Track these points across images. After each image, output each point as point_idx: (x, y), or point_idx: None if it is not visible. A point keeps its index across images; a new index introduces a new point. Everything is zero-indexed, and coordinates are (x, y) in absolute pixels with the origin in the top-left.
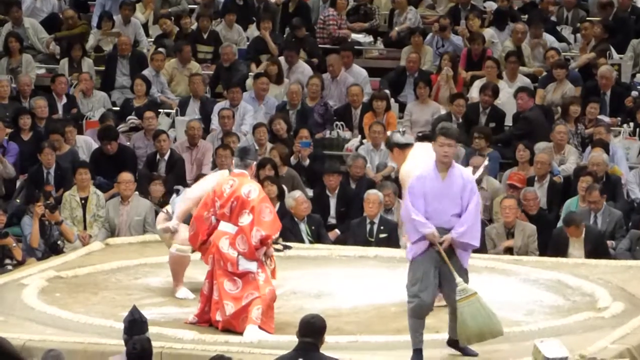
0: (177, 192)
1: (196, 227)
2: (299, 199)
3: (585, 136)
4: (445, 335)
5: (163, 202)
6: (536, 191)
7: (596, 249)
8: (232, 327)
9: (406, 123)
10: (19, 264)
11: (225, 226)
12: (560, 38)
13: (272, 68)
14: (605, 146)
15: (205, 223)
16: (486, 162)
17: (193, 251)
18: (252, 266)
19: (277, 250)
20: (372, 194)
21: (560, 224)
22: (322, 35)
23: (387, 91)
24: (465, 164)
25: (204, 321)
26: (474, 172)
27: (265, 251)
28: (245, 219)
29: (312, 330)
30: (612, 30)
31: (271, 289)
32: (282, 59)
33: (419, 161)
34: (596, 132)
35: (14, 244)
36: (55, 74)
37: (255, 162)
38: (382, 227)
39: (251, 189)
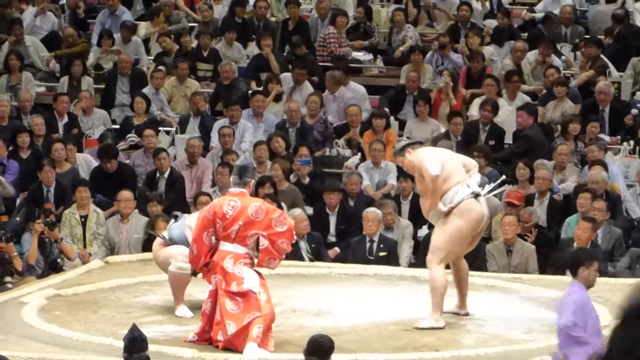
0: (176, 218)
1: (197, 249)
2: (298, 217)
3: (584, 154)
4: (446, 354)
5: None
6: (534, 211)
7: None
8: (233, 346)
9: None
10: (19, 274)
11: (228, 246)
12: (559, 56)
13: (272, 86)
14: (603, 164)
15: (205, 244)
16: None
17: (194, 274)
18: (256, 286)
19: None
20: (371, 212)
21: (563, 236)
22: (322, 53)
23: (387, 109)
24: None
25: (204, 340)
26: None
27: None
28: (263, 244)
29: (319, 350)
30: (610, 46)
31: (272, 308)
32: (285, 76)
33: (436, 150)
34: (590, 150)
35: (15, 253)
36: (57, 92)
37: (253, 180)
38: (381, 245)
39: (257, 210)
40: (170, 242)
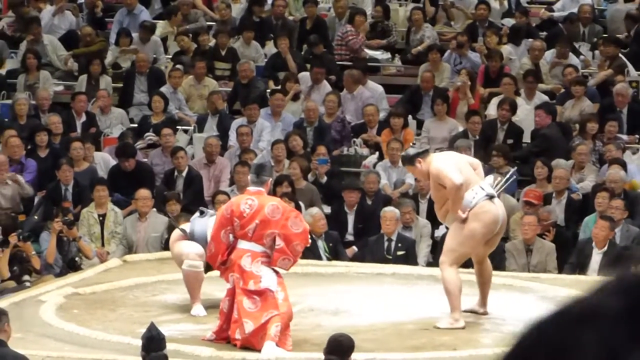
0: (202, 213)
1: (215, 247)
2: (316, 215)
3: (602, 153)
4: (463, 353)
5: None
6: (553, 210)
7: (612, 264)
8: (250, 345)
9: (424, 140)
10: (37, 272)
11: (245, 244)
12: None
13: (290, 85)
14: (622, 163)
15: (223, 242)
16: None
17: (206, 271)
18: (273, 284)
19: None
20: (389, 212)
21: (582, 236)
22: (340, 52)
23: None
24: None
25: (222, 338)
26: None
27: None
28: (278, 243)
29: (339, 349)
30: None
31: (289, 307)
32: (303, 75)
33: (447, 156)
34: (607, 149)
35: (33, 252)
36: (74, 91)
37: (271, 179)
38: (399, 244)
39: (274, 209)
40: (190, 236)
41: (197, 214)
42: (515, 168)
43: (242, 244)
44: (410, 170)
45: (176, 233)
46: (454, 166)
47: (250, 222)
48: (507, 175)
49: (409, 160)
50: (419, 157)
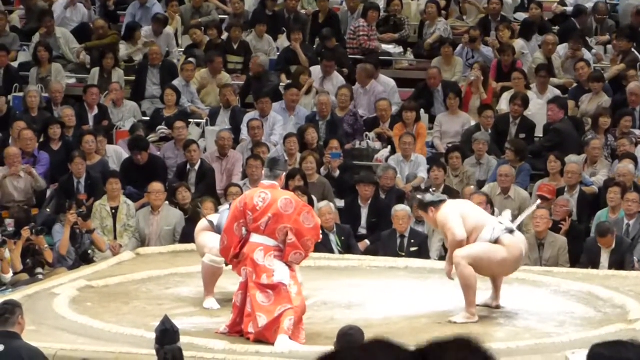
0: (231, 205)
1: (227, 240)
2: (323, 209)
3: (615, 148)
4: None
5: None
6: (569, 200)
7: (622, 261)
8: (264, 338)
9: (436, 134)
10: (50, 265)
11: (258, 238)
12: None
13: (304, 78)
14: (633, 157)
15: (236, 235)
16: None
17: (227, 264)
18: (286, 278)
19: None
20: (400, 210)
21: (593, 234)
22: (352, 46)
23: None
24: (494, 175)
25: (235, 332)
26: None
27: None
28: (290, 238)
29: (350, 342)
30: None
31: (303, 301)
32: (315, 68)
33: (457, 205)
34: (620, 144)
35: (46, 246)
36: (87, 84)
37: (284, 173)
38: (412, 241)
39: (287, 203)
40: (217, 229)
41: (226, 205)
42: (539, 202)
43: (255, 238)
44: (422, 214)
45: (203, 223)
46: (459, 218)
47: (263, 216)
48: (529, 211)
49: (423, 207)
50: (432, 206)
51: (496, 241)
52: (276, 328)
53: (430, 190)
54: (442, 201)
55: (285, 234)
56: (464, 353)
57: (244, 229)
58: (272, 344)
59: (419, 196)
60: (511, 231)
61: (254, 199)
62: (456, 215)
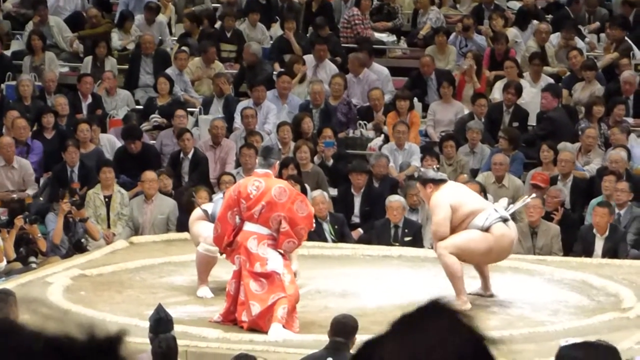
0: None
1: (221, 228)
2: (316, 198)
3: (608, 136)
4: None
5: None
6: (562, 189)
7: (616, 249)
8: (258, 327)
9: (429, 122)
10: (43, 254)
11: (251, 227)
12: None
13: (298, 67)
14: (625, 147)
15: (230, 224)
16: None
17: (221, 253)
18: (279, 267)
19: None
20: (395, 201)
21: (587, 221)
22: (346, 34)
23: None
24: (488, 163)
25: (229, 320)
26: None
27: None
28: (284, 226)
29: (343, 330)
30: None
31: (296, 289)
32: (308, 57)
33: (453, 192)
34: (612, 132)
35: (39, 234)
36: (80, 73)
37: (278, 162)
38: (406, 230)
39: (281, 191)
40: (211, 218)
41: (220, 194)
42: (533, 195)
43: (248, 226)
44: (419, 188)
45: (197, 212)
46: (448, 211)
47: (257, 204)
48: (523, 202)
49: (422, 181)
50: (432, 182)
51: (487, 229)
52: (270, 316)
53: (434, 167)
54: (442, 180)
55: (279, 222)
56: (441, 329)
57: (237, 217)
58: (266, 333)
59: (422, 169)
60: (505, 220)
61: (248, 187)
62: (447, 206)
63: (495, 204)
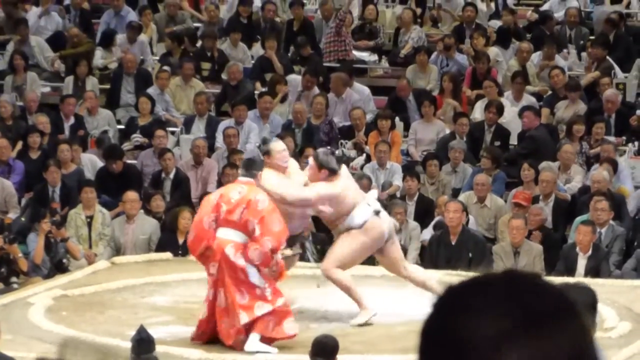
0: None
1: (198, 232)
2: None
3: (590, 155)
4: None
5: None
6: (543, 208)
7: (598, 268)
8: (242, 335)
9: (411, 142)
10: (24, 274)
11: (227, 233)
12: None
13: (280, 87)
14: (614, 164)
15: (206, 229)
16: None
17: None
18: (260, 280)
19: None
20: None
21: (571, 240)
22: (329, 49)
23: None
24: (470, 183)
25: (207, 330)
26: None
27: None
28: (257, 230)
29: (324, 350)
30: (613, 47)
31: (282, 299)
32: (291, 78)
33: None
34: (604, 150)
35: (20, 254)
36: (63, 94)
37: (261, 173)
38: None
39: (262, 198)
40: None
41: None
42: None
43: (224, 232)
44: (314, 164)
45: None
46: (336, 196)
47: (237, 207)
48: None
49: (318, 163)
50: (325, 168)
51: (362, 225)
52: (252, 327)
53: (343, 152)
54: (334, 172)
55: (253, 230)
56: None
57: (213, 223)
58: (245, 344)
59: (320, 150)
60: (377, 212)
61: (230, 192)
62: (337, 191)
63: (368, 197)
